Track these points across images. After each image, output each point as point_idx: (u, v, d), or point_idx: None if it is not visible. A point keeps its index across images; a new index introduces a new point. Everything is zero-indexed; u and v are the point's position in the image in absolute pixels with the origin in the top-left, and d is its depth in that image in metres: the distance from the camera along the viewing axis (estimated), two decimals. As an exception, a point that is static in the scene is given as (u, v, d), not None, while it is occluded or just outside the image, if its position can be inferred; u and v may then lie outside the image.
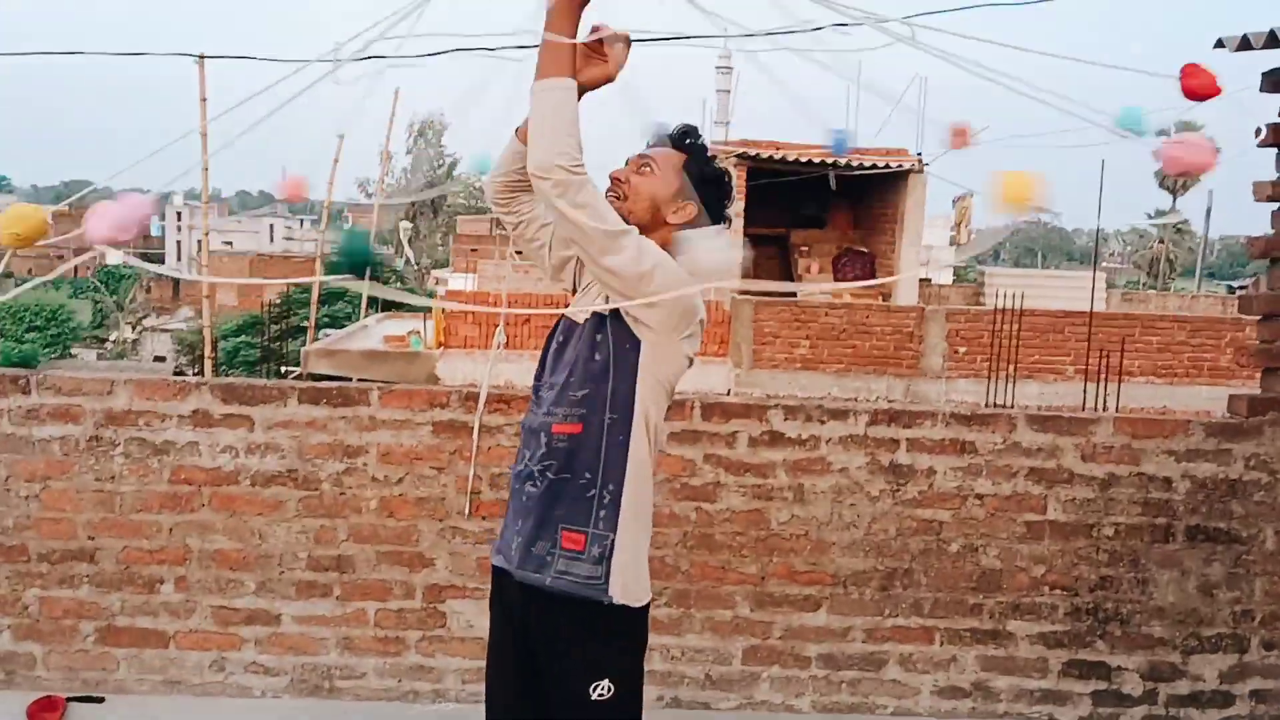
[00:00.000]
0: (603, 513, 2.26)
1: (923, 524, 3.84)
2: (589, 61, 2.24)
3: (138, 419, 3.72)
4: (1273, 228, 3.91)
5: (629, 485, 2.28)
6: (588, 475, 2.26)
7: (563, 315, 2.42)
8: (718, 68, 20.67)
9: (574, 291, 2.49)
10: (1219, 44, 3.75)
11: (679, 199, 2.31)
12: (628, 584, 2.27)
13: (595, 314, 2.29)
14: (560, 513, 2.27)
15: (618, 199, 2.30)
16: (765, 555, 3.83)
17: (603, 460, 2.26)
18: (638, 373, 2.26)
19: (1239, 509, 3.85)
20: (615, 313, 2.26)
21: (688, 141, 2.36)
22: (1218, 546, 3.86)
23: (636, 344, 2.25)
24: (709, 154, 2.39)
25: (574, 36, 2.17)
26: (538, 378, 2.40)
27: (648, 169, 2.31)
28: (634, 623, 2.30)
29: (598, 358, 2.26)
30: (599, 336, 2.27)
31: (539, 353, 2.45)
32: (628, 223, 2.25)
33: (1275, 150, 3.89)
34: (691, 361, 2.37)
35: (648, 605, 2.32)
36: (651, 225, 2.30)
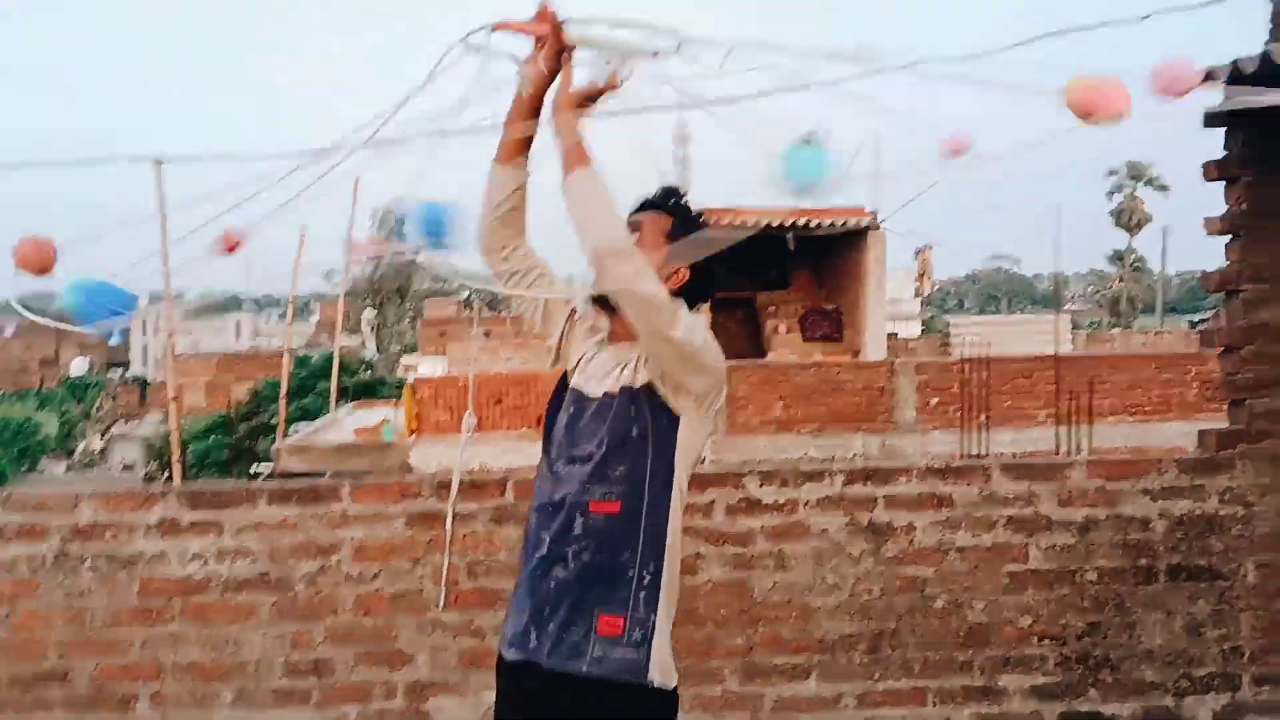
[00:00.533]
0: (643, 594, 2.18)
1: (906, 582, 3.81)
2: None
3: (105, 532, 3.65)
4: (1227, 260, 3.98)
5: (668, 564, 2.22)
6: (626, 555, 2.18)
7: (569, 388, 2.36)
8: (675, 136, 20.97)
9: (555, 358, 2.46)
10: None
11: (670, 264, 2.28)
12: (665, 665, 2.20)
13: (626, 388, 2.24)
14: (596, 595, 2.18)
15: None
16: (750, 626, 3.78)
17: (642, 539, 2.19)
18: (676, 449, 2.22)
19: (1218, 544, 3.85)
20: (649, 386, 2.22)
21: (672, 203, 2.34)
22: (1201, 584, 3.85)
23: (675, 420, 2.22)
24: (696, 215, 2.35)
25: (577, 128, 2.21)
26: (548, 452, 2.33)
27: (637, 236, 2.28)
28: (669, 704, 2.23)
29: (635, 433, 2.20)
30: (634, 410, 2.21)
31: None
32: None
33: (1223, 184, 3.97)
34: (714, 430, 2.36)
35: (677, 685, 2.25)
36: None
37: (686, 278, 2.30)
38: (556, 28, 2.24)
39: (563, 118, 2.21)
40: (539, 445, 2.39)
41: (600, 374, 2.30)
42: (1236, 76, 3.44)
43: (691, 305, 2.30)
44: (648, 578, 2.18)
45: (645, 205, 2.36)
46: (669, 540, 2.22)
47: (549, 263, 2.50)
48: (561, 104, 2.23)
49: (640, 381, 2.23)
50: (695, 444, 2.27)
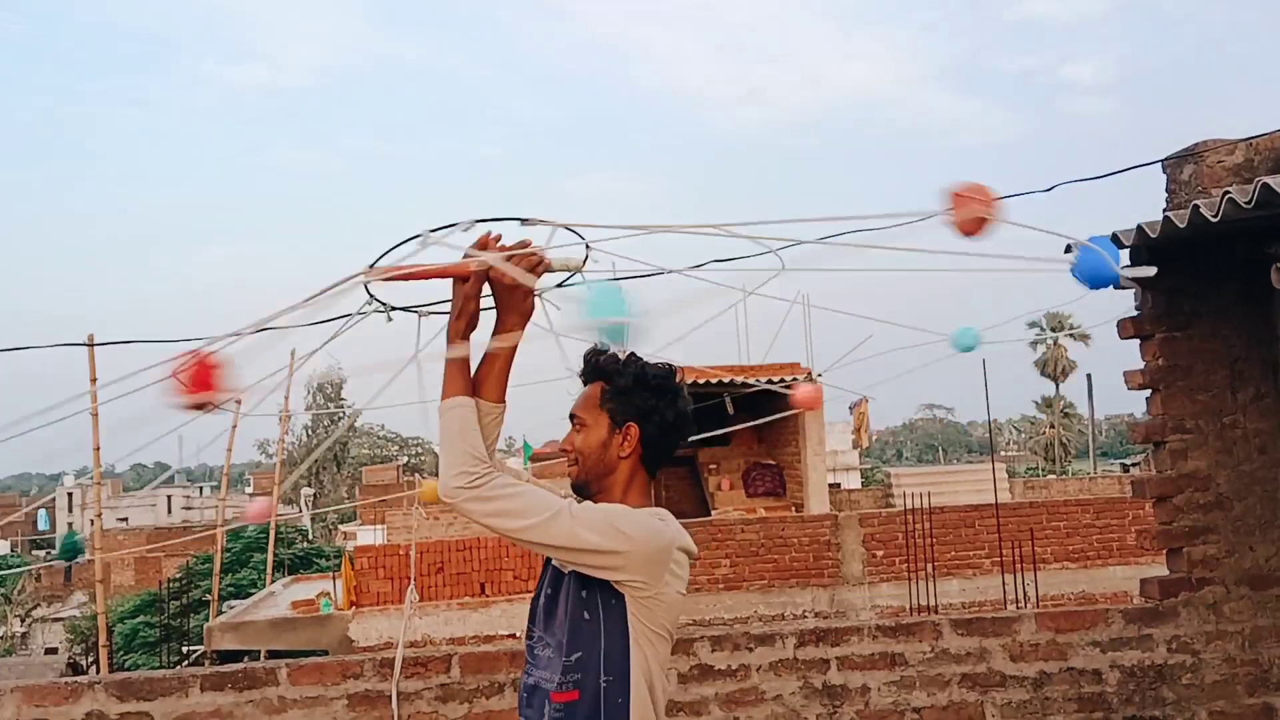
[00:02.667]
0: None
1: (864, 747, 3.73)
2: (509, 312, 2.24)
3: (25, 729, 3.46)
4: (1149, 413, 4.10)
5: None
6: None
7: (549, 562, 2.31)
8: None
9: None
10: (1068, 249, 4.03)
11: (615, 429, 2.26)
12: None
13: (575, 571, 2.17)
14: None
15: (572, 464, 2.28)
16: (708, 800, 3.66)
17: None
18: (628, 627, 2.14)
19: (1170, 694, 3.84)
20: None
21: (595, 366, 2.32)
22: (1158, 735, 3.82)
23: (621, 597, 2.14)
24: (619, 361, 2.31)
25: (465, 350, 2.22)
26: (530, 629, 2.29)
27: (580, 425, 2.29)
28: None
29: (587, 616, 2.15)
30: (584, 592, 2.16)
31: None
32: (589, 481, 2.25)
33: (1138, 341, 4.13)
34: (684, 594, 2.25)
35: None
36: (610, 469, 2.26)
37: (637, 439, 2.26)
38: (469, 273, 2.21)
39: (452, 341, 2.22)
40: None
41: None
42: (1143, 239, 3.64)
43: (655, 466, 2.29)
44: None
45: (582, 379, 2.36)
46: None
47: (521, 472, 2.49)
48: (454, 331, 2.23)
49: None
50: (655, 617, 2.18)
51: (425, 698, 3.62)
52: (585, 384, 2.34)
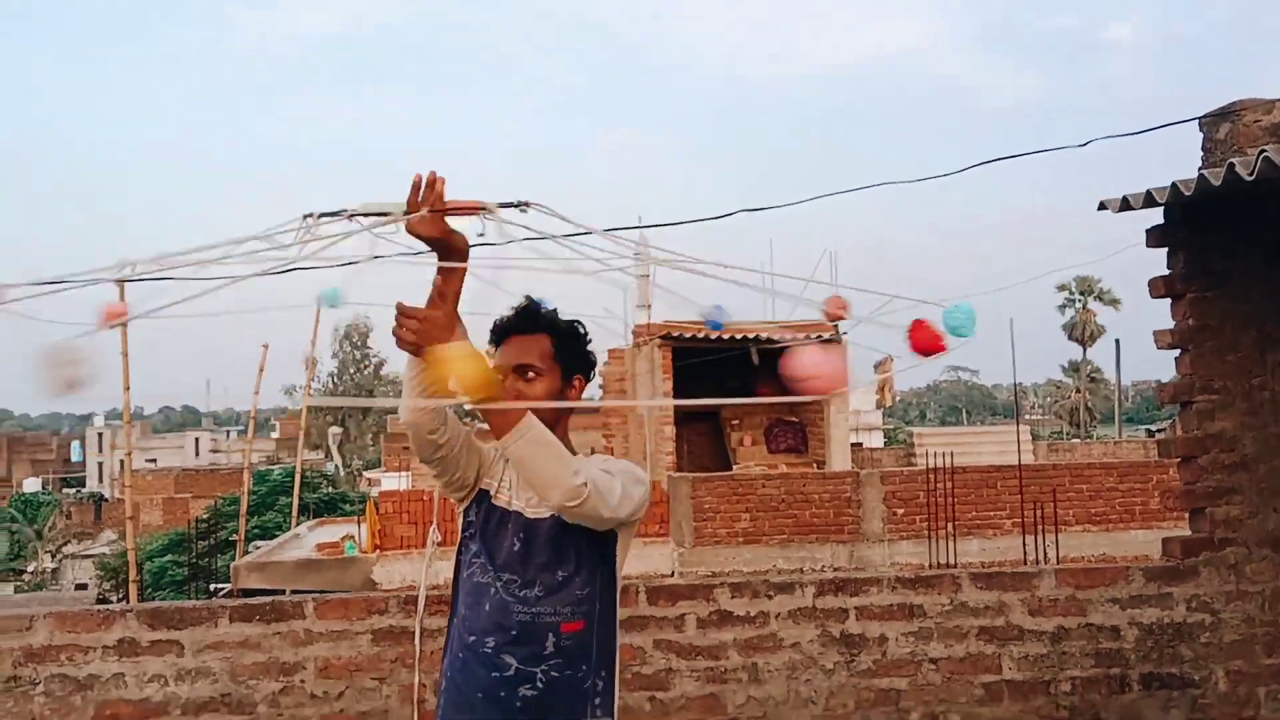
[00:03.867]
0: (598, 700, 2.32)
1: (880, 694, 3.78)
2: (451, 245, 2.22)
3: (59, 654, 3.55)
4: (1178, 373, 4.08)
5: (617, 668, 2.39)
6: (585, 668, 2.31)
7: (503, 510, 2.36)
8: (635, 254, 21.31)
9: (470, 490, 2.41)
10: (1102, 206, 3.99)
11: (567, 382, 2.39)
12: None
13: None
14: (563, 709, 2.29)
15: None
16: (724, 742, 3.71)
17: (596, 650, 2.33)
18: (616, 559, 2.38)
19: (1188, 652, 3.86)
20: None
21: (542, 317, 2.38)
22: (1173, 693, 3.84)
23: (613, 535, 2.35)
24: (552, 311, 2.41)
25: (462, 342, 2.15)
26: (498, 575, 2.32)
27: (533, 376, 2.33)
28: None
29: (594, 552, 2.34)
30: (584, 533, 2.30)
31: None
32: None
33: (1169, 301, 4.10)
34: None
35: None
36: (558, 417, 2.34)
37: (581, 390, 2.44)
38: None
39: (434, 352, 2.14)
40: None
41: (535, 496, 2.30)
42: (1177, 196, 3.60)
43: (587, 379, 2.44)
44: (601, 684, 2.34)
45: (507, 332, 2.37)
46: (616, 644, 2.40)
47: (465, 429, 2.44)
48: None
49: None
50: (625, 553, 2.42)
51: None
52: (522, 333, 2.37)
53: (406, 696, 3.63)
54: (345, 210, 2.22)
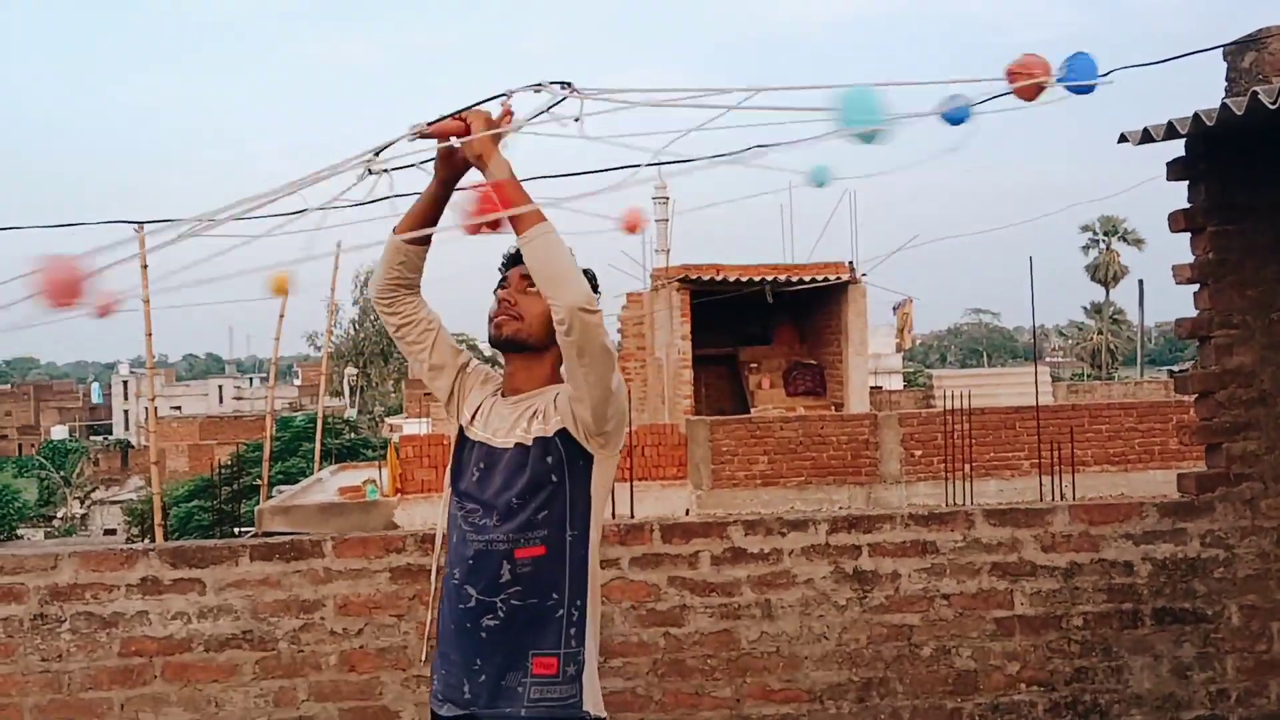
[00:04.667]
0: (573, 630, 2.27)
1: (893, 630, 3.81)
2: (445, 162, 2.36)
3: (84, 592, 3.62)
4: (1196, 308, 4.04)
5: (591, 598, 2.31)
6: (555, 596, 2.26)
7: (471, 442, 2.40)
8: (654, 198, 21.20)
9: (448, 398, 2.49)
10: (1122, 139, 3.93)
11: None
12: (595, 695, 2.30)
13: (539, 437, 2.30)
14: (528, 639, 2.25)
15: (513, 319, 2.34)
16: (738, 676, 3.76)
17: (568, 578, 2.27)
18: (591, 486, 2.31)
19: (1201, 587, 3.87)
20: (563, 432, 2.29)
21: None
22: (1186, 627, 3.86)
23: (589, 459, 2.30)
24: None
25: (512, 174, 2.25)
26: (461, 506, 2.36)
27: (533, 287, 2.31)
28: None
29: (553, 478, 2.28)
30: (549, 457, 2.28)
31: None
32: (529, 344, 2.35)
33: (1189, 235, 4.05)
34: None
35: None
36: (548, 343, 2.34)
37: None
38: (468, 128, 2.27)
39: (504, 181, 2.24)
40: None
41: (505, 426, 2.36)
42: (1199, 126, 3.53)
43: None
44: (575, 614, 2.29)
45: (516, 260, 2.40)
46: (591, 575, 2.32)
47: (439, 314, 2.55)
48: (496, 169, 2.26)
49: (553, 429, 2.30)
50: (608, 479, 2.37)
51: (465, 572, 3.73)
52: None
53: (423, 633, 3.69)
54: (412, 131, 2.27)
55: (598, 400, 2.25)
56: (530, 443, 2.30)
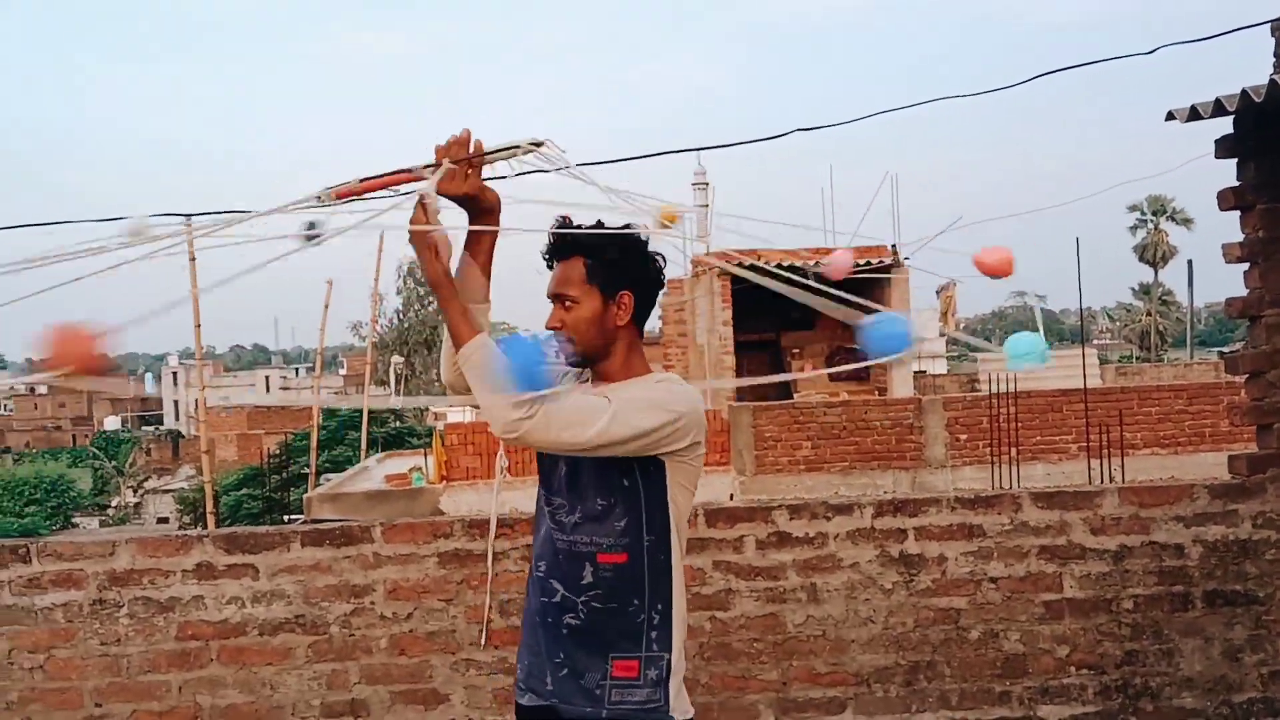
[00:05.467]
0: (654, 634, 2.25)
1: (940, 613, 3.80)
2: (478, 215, 2.24)
3: (141, 578, 3.71)
4: (1246, 287, 3.98)
5: (675, 601, 2.28)
6: (635, 601, 2.24)
7: None
8: (694, 184, 21.15)
9: None
10: (1170, 116, 3.87)
11: (609, 301, 2.27)
12: (682, 701, 2.28)
13: None
14: (609, 641, 2.24)
15: (568, 343, 2.27)
16: (785, 659, 3.77)
17: (648, 583, 2.25)
18: (667, 489, 2.26)
19: (1253, 569, 3.82)
20: None
21: (572, 241, 2.28)
22: (1237, 609, 3.81)
23: (661, 464, 2.24)
24: (589, 229, 2.28)
25: (450, 278, 2.20)
26: (550, 500, 2.34)
27: (569, 302, 2.26)
28: None
29: (626, 483, 2.24)
30: (620, 463, 2.22)
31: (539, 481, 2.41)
32: (590, 355, 2.27)
33: (1238, 213, 3.98)
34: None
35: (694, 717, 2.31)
36: (610, 339, 2.28)
37: (631, 305, 2.29)
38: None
39: (442, 288, 2.20)
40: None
41: None
42: (1247, 103, 3.47)
43: (643, 323, 2.34)
44: (657, 618, 2.25)
45: (548, 261, 2.32)
46: (674, 579, 2.27)
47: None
48: (436, 277, 2.20)
49: None
50: (686, 477, 2.28)
51: (512, 557, 3.77)
52: (560, 258, 2.30)
53: (473, 617, 3.74)
54: (363, 178, 2.19)
55: (631, 450, 2.19)
56: None
